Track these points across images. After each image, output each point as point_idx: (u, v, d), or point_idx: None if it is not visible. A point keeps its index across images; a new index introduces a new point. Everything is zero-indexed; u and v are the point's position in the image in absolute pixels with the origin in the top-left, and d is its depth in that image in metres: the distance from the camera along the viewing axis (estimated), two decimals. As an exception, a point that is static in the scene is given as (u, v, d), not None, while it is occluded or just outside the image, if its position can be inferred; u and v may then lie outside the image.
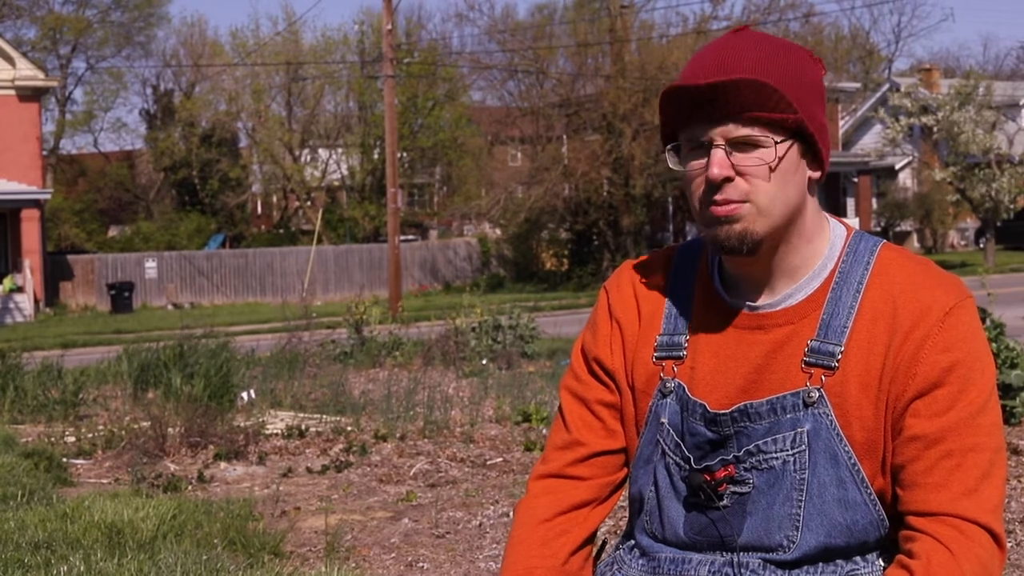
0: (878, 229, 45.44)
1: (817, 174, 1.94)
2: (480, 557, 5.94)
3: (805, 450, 1.87)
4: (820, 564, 1.88)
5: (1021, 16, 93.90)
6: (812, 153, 1.92)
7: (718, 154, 1.85)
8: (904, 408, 1.84)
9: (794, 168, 1.89)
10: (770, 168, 1.85)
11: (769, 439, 1.89)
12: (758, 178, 1.86)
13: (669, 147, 1.94)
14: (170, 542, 5.84)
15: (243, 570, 5.41)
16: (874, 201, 47.08)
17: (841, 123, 49.68)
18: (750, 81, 1.82)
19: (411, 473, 8.08)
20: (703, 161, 1.88)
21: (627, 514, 2.14)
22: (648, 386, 2.01)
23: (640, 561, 2.01)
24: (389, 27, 30.22)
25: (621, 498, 2.14)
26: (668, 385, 1.99)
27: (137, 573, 5.14)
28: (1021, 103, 46.86)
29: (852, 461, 1.86)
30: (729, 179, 1.86)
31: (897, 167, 48.81)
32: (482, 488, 7.46)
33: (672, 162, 1.94)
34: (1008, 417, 8.14)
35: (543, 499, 2.07)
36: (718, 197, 1.86)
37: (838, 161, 42.18)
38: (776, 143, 1.85)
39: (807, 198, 1.93)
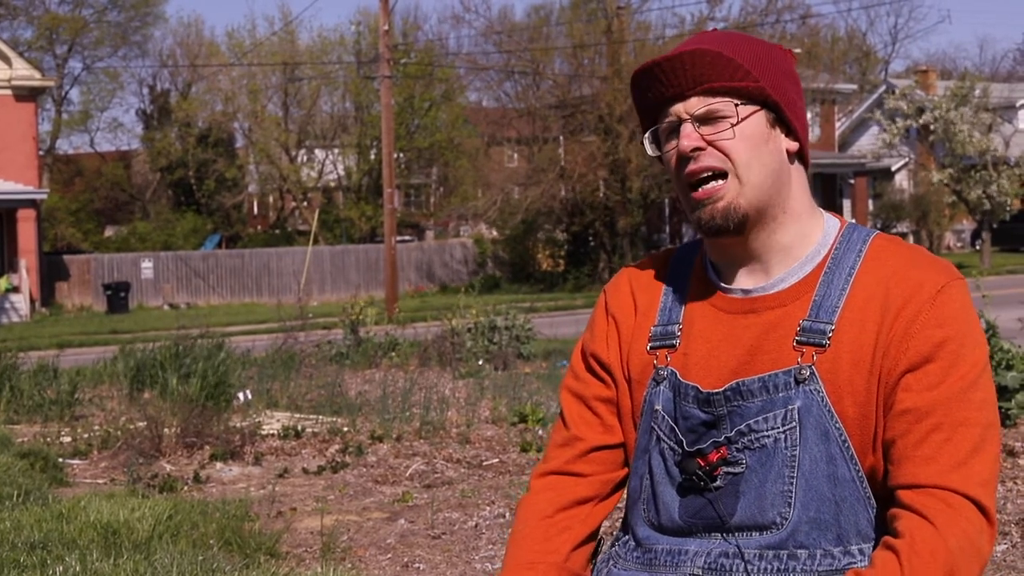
0: (878, 230, 45.31)
1: (795, 145, 1.97)
2: (476, 558, 5.94)
3: (796, 427, 1.88)
4: (817, 554, 1.88)
5: (1017, 18, 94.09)
6: (784, 124, 1.95)
7: (686, 128, 1.91)
8: (896, 382, 1.86)
9: (765, 135, 1.93)
10: (732, 126, 1.90)
11: (760, 418, 1.91)
12: (730, 142, 1.90)
13: (647, 134, 1.99)
14: (166, 542, 5.84)
15: (239, 570, 5.41)
16: (870, 203, 47.12)
17: (837, 124, 49.70)
18: (702, 51, 1.89)
19: (407, 474, 8.08)
20: (676, 142, 1.94)
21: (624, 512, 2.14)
22: (643, 376, 2.04)
23: (636, 554, 2.03)
24: (386, 28, 30.21)
25: (621, 498, 2.15)
26: (661, 373, 2.01)
27: (133, 573, 5.14)
28: (1017, 105, 46.91)
29: (843, 438, 1.88)
30: (700, 149, 1.91)
31: (893, 168, 48.84)
32: (478, 489, 7.46)
33: (650, 149, 2.00)
34: (1003, 419, 8.15)
35: (544, 495, 2.09)
36: (694, 167, 1.91)
37: (834, 163, 42.23)
38: (737, 106, 1.90)
39: (790, 170, 1.97)
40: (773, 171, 1.93)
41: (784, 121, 1.95)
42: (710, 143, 1.90)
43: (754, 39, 1.98)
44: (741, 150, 1.90)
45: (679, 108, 1.92)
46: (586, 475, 2.09)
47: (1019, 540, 5.73)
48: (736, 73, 1.89)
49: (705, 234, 1.96)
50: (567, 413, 2.12)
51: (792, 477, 1.88)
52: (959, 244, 50.19)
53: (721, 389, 1.93)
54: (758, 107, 1.92)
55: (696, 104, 1.90)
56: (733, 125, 1.90)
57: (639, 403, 2.04)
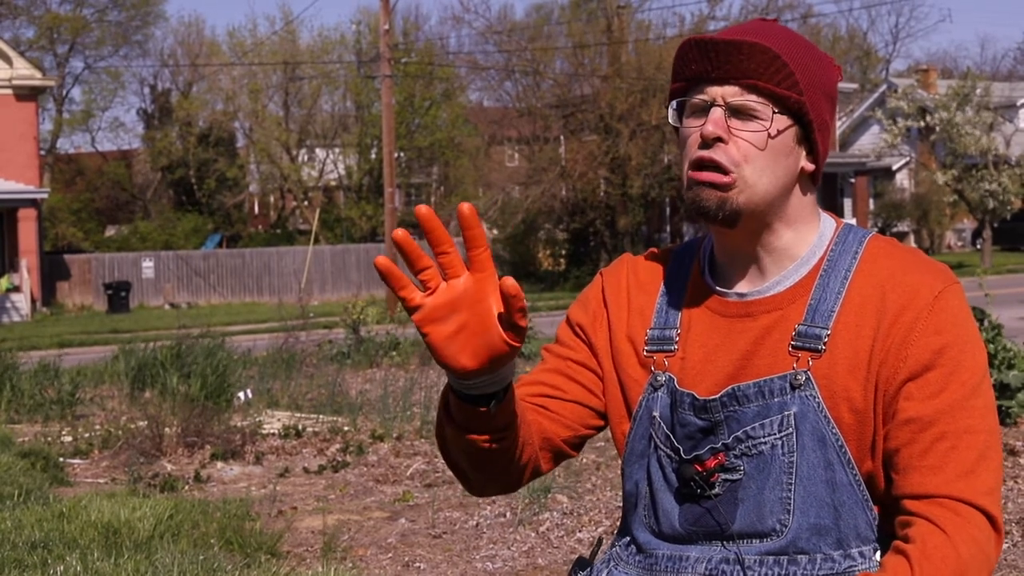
0: (875, 230, 45.30)
1: (811, 167, 1.94)
2: (477, 557, 5.94)
3: (792, 433, 1.87)
4: (817, 558, 1.88)
5: (1018, 17, 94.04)
6: (809, 143, 1.93)
7: (716, 112, 1.87)
8: (896, 391, 1.85)
9: (788, 150, 1.90)
10: (768, 135, 1.86)
11: (757, 424, 1.89)
12: (751, 147, 1.87)
13: (673, 104, 1.95)
14: (167, 542, 5.84)
15: (240, 570, 5.41)
16: (871, 202, 47.11)
17: (838, 124, 49.69)
18: (762, 47, 1.84)
19: (408, 473, 8.08)
20: (701, 121, 1.89)
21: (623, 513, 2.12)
22: (640, 376, 2.01)
23: (638, 558, 2.01)
24: (386, 27, 30.21)
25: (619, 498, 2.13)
26: (659, 379, 1.99)
27: (134, 573, 5.14)
28: (1018, 104, 46.91)
29: (840, 443, 1.86)
30: (721, 140, 1.87)
31: (894, 168, 48.85)
32: (479, 488, 7.45)
33: (672, 118, 1.96)
34: (1004, 418, 8.14)
35: None
36: (705, 154, 1.87)
37: (835, 162, 42.20)
38: (774, 113, 1.87)
39: (796, 186, 1.94)
40: (783, 185, 1.90)
41: (811, 141, 1.92)
42: (733, 136, 1.87)
43: (812, 47, 1.94)
44: (759, 157, 1.87)
45: (716, 91, 1.88)
46: (552, 412, 2.03)
47: (1020, 539, 5.73)
48: (785, 80, 1.85)
49: (695, 214, 1.94)
50: (542, 365, 2.08)
51: (790, 484, 1.86)
52: (960, 243, 50.20)
53: (717, 395, 1.92)
54: (792, 122, 1.89)
55: (734, 93, 1.87)
56: (770, 136, 1.86)
57: (633, 405, 2.01)
